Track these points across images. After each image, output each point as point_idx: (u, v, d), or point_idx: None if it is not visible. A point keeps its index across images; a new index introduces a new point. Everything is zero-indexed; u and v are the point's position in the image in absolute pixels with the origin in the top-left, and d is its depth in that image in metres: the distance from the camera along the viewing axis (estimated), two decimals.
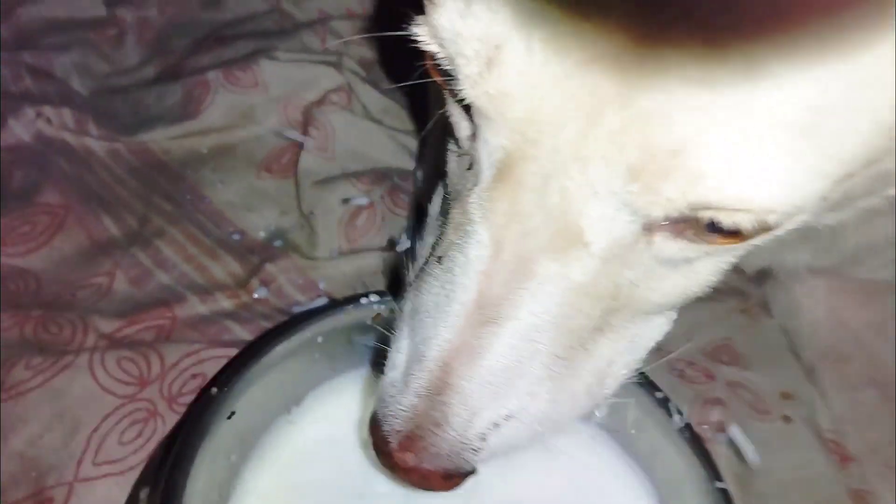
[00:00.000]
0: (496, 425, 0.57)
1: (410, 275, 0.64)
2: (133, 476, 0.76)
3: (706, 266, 0.58)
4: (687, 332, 1.01)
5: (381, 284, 0.98)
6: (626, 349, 0.62)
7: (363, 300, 0.76)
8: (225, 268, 0.97)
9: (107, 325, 0.86)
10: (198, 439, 0.64)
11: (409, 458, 0.56)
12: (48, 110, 1.06)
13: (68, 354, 0.82)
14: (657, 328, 0.64)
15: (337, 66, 1.19)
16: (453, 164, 0.62)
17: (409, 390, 0.56)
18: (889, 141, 0.46)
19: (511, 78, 0.47)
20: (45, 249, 0.94)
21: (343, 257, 1.00)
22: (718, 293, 1.09)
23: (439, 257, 0.58)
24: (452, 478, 0.58)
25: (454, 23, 0.49)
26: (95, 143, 1.07)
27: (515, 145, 0.50)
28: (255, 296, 0.94)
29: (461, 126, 0.59)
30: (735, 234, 0.50)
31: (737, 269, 1.08)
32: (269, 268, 0.96)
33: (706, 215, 0.48)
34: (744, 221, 0.47)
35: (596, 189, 0.48)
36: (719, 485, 0.66)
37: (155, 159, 1.09)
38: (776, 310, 1.05)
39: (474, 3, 0.48)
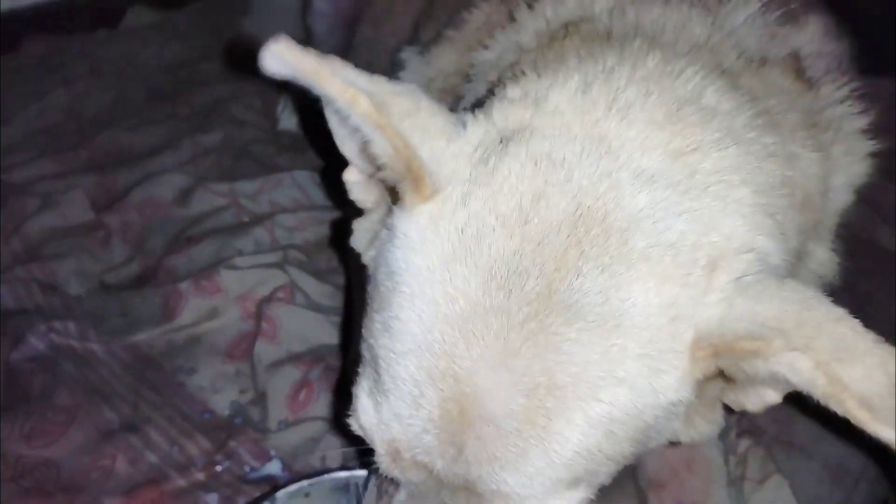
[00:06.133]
0: None
1: None
2: None
3: None
4: None
5: (322, 447, 1.30)
6: None
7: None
8: (197, 445, 1.28)
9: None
10: None
11: None
12: (56, 324, 1.38)
13: None
14: None
15: (282, 266, 1.53)
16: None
17: None
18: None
19: (409, 468, 0.73)
20: (61, 441, 1.25)
21: (290, 428, 1.32)
22: None
23: None
24: None
25: (370, 427, 0.75)
26: (96, 346, 1.39)
27: (419, 490, 0.80)
28: (218, 468, 1.25)
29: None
30: None
31: None
32: (231, 443, 1.28)
33: None
34: None
35: None
36: None
37: (142, 354, 1.41)
38: None
39: (382, 417, 0.73)
